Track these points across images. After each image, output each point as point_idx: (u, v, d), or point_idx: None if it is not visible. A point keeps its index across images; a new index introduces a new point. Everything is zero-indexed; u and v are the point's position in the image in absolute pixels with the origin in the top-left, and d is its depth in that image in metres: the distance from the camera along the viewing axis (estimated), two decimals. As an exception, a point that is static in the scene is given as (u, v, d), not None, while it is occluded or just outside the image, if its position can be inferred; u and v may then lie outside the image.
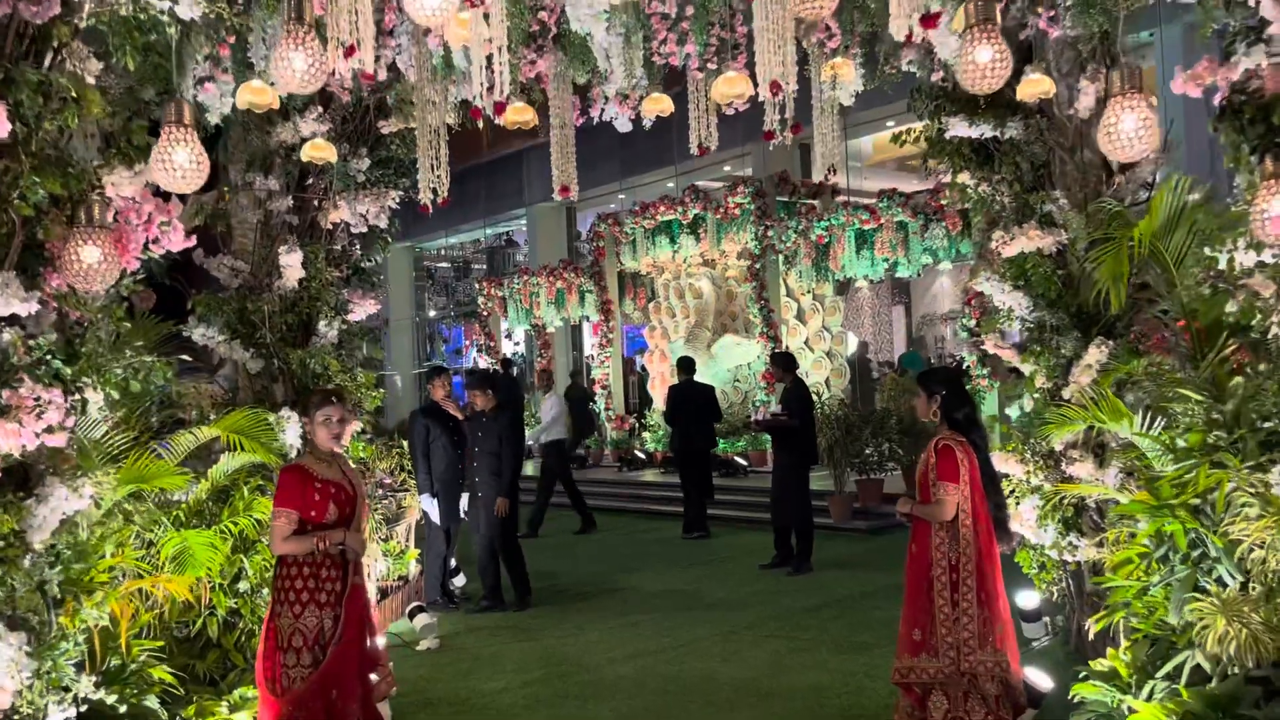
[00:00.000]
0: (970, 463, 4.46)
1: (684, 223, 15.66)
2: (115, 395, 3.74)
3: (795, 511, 9.08)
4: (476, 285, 19.97)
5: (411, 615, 7.19)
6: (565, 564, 10.04)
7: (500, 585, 7.99)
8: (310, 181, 5.47)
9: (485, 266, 26.52)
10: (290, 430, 5.15)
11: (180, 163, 3.27)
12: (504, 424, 7.82)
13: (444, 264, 29.28)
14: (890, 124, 16.89)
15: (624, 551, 10.68)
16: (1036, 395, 5.41)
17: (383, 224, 5.55)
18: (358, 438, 5.58)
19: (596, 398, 17.10)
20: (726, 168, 18.58)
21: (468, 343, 26.39)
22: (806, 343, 15.51)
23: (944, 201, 12.39)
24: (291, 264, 5.23)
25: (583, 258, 19.38)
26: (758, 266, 14.65)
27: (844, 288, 16.46)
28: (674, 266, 17.19)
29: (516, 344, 24.03)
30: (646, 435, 16.39)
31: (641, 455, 15.97)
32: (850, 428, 10.95)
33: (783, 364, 9.50)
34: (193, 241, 3.87)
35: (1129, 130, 3.70)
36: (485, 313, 19.91)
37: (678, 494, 12.67)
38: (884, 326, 23.15)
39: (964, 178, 5.54)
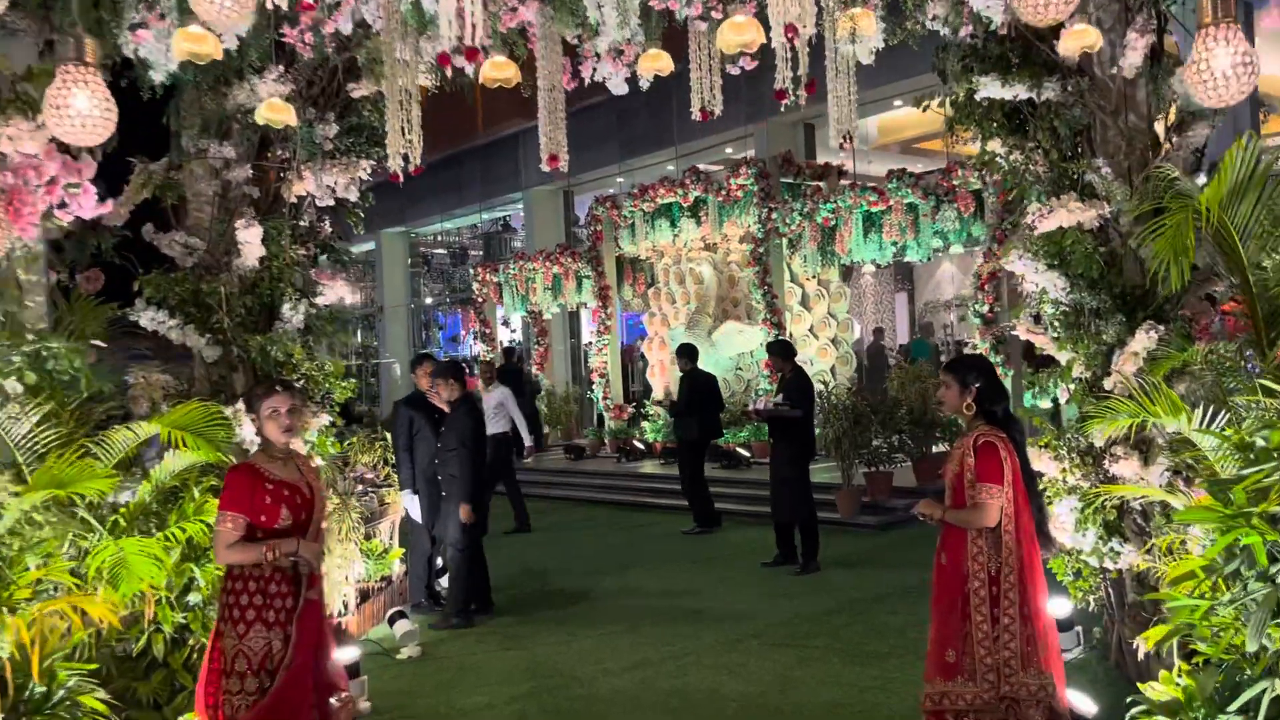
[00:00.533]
0: (1012, 462, 3.95)
1: (684, 206, 15.12)
2: (19, 386, 3.21)
3: (797, 507, 8.58)
4: (472, 271, 19.42)
5: (392, 621, 6.70)
6: (558, 561, 9.54)
7: (469, 600, 7.36)
8: (273, 150, 4.94)
9: (482, 253, 25.96)
10: (248, 425, 4.65)
11: (80, 109, 2.74)
12: (462, 417, 7.22)
13: (440, 250, 28.74)
14: (898, 103, 16.35)
15: (621, 548, 10.17)
16: (1074, 385, 4.90)
17: (352, 197, 5.02)
18: (326, 431, 5.07)
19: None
20: (728, 149, 18.00)
21: (465, 330, 25.88)
22: (811, 330, 14.98)
23: (956, 182, 11.86)
24: (250, 240, 4.71)
25: (580, 242, 18.83)
26: (761, 250, 14.12)
27: (849, 273, 15.95)
28: (674, 251, 16.65)
29: (513, 331, 23.50)
30: (646, 425, 15.88)
31: (641, 446, 15.46)
32: (859, 418, 10.44)
33: (781, 352, 8.99)
34: (107, 208, 3.36)
35: (1223, 67, 3.15)
36: (480, 299, 19.37)
37: (678, 486, 12.20)
38: (887, 314, 22.64)
39: (994, 145, 5.01)
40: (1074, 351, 4.79)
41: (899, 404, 10.84)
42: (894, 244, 13.00)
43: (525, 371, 17.80)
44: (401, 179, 4.46)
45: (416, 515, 7.50)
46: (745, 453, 13.52)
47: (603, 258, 16.55)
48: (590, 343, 17.93)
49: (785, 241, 14.00)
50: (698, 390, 10.55)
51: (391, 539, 8.16)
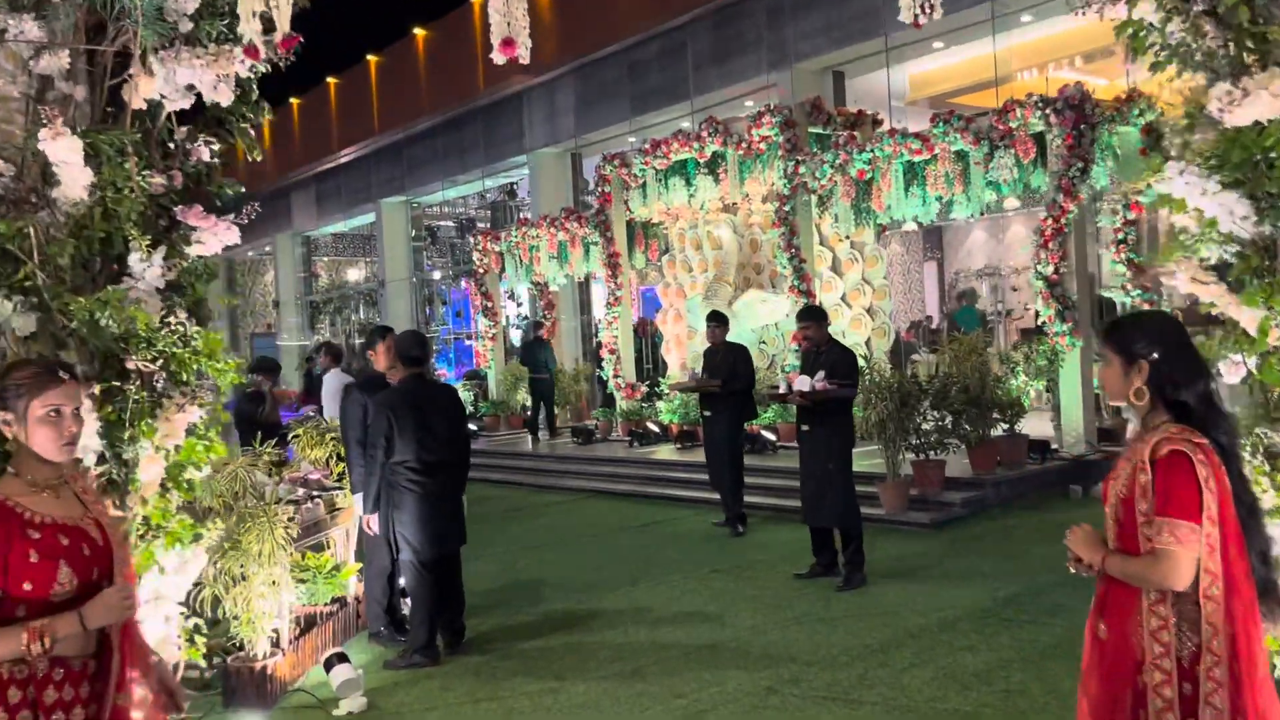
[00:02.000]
0: (1219, 483, 2.45)
1: (700, 162, 13.57)
2: None
3: (845, 512, 7.11)
4: (472, 240, 17.94)
5: (328, 666, 5.27)
6: (555, 570, 8.11)
7: (434, 630, 5.92)
8: (108, 33, 3.47)
9: (489, 224, 24.48)
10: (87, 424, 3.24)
11: None
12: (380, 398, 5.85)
13: (446, 222, 27.27)
14: (938, 44, 14.72)
15: (630, 553, 8.72)
16: (1262, 356, 3.38)
17: (225, 101, 3.55)
18: (201, 432, 3.63)
19: None
20: (748, 103, 16.35)
21: (475, 305, 24.44)
22: (844, 298, 13.44)
23: (1014, 124, 10.26)
24: (67, 159, 3.26)
25: (588, 207, 17.31)
26: (787, 210, 12.56)
27: (881, 235, 14.38)
28: (690, 214, 15.12)
29: (520, 305, 22.05)
30: (661, 405, 14.42)
31: (655, 428, 14.00)
32: (906, 397, 8.92)
33: (817, 318, 7.46)
34: None
35: None
36: (482, 269, 17.90)
37: (697, 475, 10.75)
38: (915, 284, 21.03)
39: (1144, 9, 3.45)
40: (1267, 307, 3.27)
41: (952, 381, 9.31)
42: (938, 198, 11.42)
43: (547, 347, 16.33)
44: (260, 54, 2.98)
45: (373, 524, 6.06)
46: (771, 436, 12.05)
47: (611, 222, 15.04)
48: (600, 316, 16.45)
49: (814, 199, 12.44)
50: (743, 360, 9.19)
51: (347, 552, 6.76)
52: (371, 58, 24.47)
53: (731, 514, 9.06)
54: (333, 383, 8.75)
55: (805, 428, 7.31)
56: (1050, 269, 9.93)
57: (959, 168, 10.97)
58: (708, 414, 9.30)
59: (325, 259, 31.28)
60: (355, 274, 30.94)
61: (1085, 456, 9.77)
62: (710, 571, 7.72)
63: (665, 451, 12.93)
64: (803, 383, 7.16)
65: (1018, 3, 12.91)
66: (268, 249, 30.85)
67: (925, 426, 9.08)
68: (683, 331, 15.41)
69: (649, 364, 19.82)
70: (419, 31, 22.62)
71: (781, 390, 7.47)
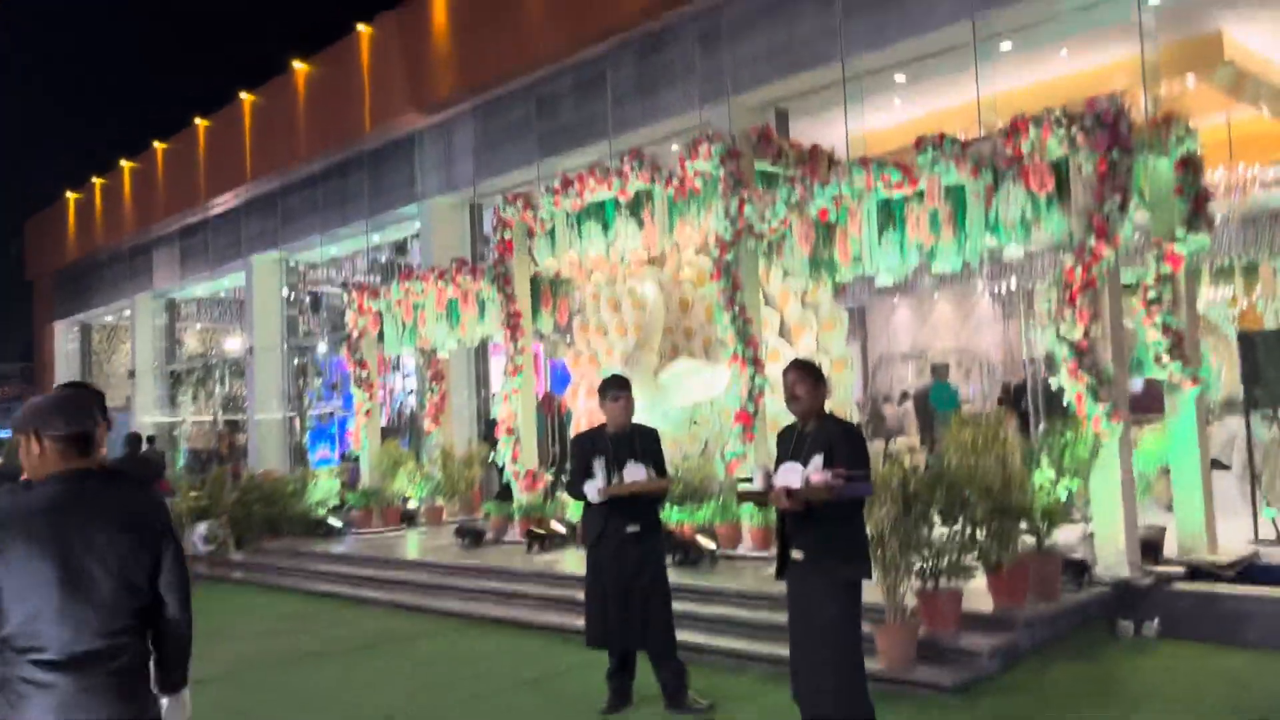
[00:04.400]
0: None
1: (622, 202, 11.13)
2: None
3: (843, 687, 4.50)
4: (345, 296, 15.11)
5: None
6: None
7: None
8: None
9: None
10: None
11: None
12: None
13: (330, 287, 24.18)
14: (900, 78, 12.67)
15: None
16: None
17: None
18: None
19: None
20: (674, 148, 14.07)
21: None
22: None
23: (1026, 146, 8.04)
24: None
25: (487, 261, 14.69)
26: (728, 259, 10.12)
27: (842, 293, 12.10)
28: (608, 267, 12.64)
29: (406, 376, 19.17)
30: (566, 499, 11.69)
31: (561, 529, 11.25)
32: (911, 501, 6.41)
33: (814, 377, 4.92)
34: None
35: None
36: (356, 333, 15.03)
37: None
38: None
39: None
40: None
41: (967, 471, 6.83)
42: (918, 247, 9.14)
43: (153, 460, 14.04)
44: None
45: None
46: (709, 544, 9.36)
47: (513, 276, 12.42)
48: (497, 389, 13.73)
49: (762, 245, 10.05)
50: (658, 448, 6.37)
51: None
52: (245, 96, 21.64)
53: (679, 681, 6.06)
54: None
55: (796, 554, 4.69)
56: (1078, 332, 7.61)
57: (950, 206, 8.70)
58: (633, 529, 6.02)
59: (199, 326, 27.84)
60: (234, 343, 27.56)
61: (1133, 581, 7.36)
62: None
63: (573, 562, 10.15)
64: (790, 474, 4.60)
65: (1004, 23, 10.94)
66: (126, 312, 27.35)
67: (934, 534, 6.57)
68: (595, 409, 12.76)
69: (555, 446, 17.08)
70: (299, 66, 19.92)
71: (757, 486, 4.82)
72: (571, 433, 13.32)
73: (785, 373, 5.01)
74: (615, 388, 6.19)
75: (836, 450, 4.57)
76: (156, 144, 24.84)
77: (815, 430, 4.75)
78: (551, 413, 17.00)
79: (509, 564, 10.33)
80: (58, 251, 29.70)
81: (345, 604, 10.55)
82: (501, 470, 12.82)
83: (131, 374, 26.84)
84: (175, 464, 25.04)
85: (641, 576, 5.88)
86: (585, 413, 12.97)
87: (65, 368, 30.12)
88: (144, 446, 15.13)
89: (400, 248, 19.86)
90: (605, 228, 11.40)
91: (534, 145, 15.56)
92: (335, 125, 19.01)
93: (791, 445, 4.80)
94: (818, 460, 4.55)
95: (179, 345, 26.84)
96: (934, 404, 12.61)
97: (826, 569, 4.54)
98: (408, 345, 14.62)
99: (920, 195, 8.83)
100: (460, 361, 16.62)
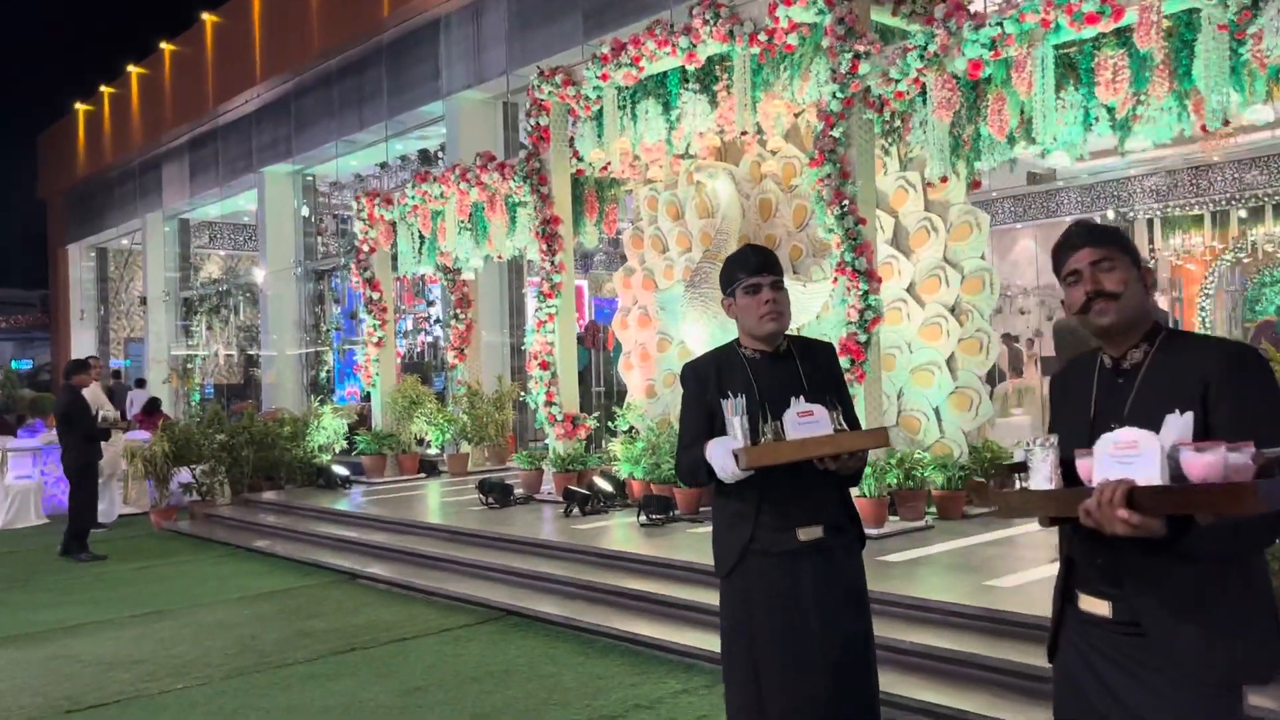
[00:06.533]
0: None
1: (690, 70, 8.57)
2: None
3: None
4: (355, 204, 12.71)
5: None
6: None
7: None
8: None
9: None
10: None
11: None
12: None
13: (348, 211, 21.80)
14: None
15: None
16: None
17: None
18: None
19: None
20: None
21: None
22: (910, 289, 8.43)
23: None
24: None
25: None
26: (836, 135, 7.52)
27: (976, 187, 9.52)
28: (668, 164, 10.12)
29: (431, 303, 16.85)
30: (616, 450, 9.35)
31: (607, 486, 8.93)
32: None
33: (1131, 255, 2.23)
34: None
35: None
36: (367, 247, 12.68)
37: (688, 593, 5.72)
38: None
39: None
40: None
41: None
42: (1110, 109, 6.53)
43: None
44: None
45: None
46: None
47: (549, 173, 9.93)
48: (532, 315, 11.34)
49: (882, 118, 7.44)
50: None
51: None
52: (254, -15, 19.18)
53: None
54: None
55: (1126, 623, 2.18)
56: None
57: (1173, 47, 6.05)
58: (812, 533, 2.90)
59: (222, 253, 25.73)
60: (258, 272, 25.41)
61: None
62: None
63: (622, 533, 7.79)
64: (1200, 459, 2.01)
65: None
66: (140, 235, 25.31)
67: None
68: (651, 340, 10.34)
69: (599, 387, 14.73)
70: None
71: (1043, 481, 2.24)
72: (621, 369, 10.93)
73: (1069, 239, 2.40)
74: (755, 269, 2.96)
75: (1224, 400, 2.05)
76: (164, 45, 22.51)
77: (1156, 362, 2.21)
78: (595, 346, 14.64)
79: (537, 533, 7.99)
80: (68, 169, 27.71)
81: (335, 582, 8.33)
82: (534, 413, 10.50)
83: (143, 300, 24.84)
84: (192, 398, 23.11)
85: (838, 624, 2.90)
86: (637, 346, 10.54)
87: (81, 296, 28.24)
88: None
89: (426, 158, 17.38)
90: (667, 107, 8.87)
91: (578, 23, 12.95)
92: (351, 12, 16.51)
93: (1096, 395, 2.28)
94: (1180, 423, 2.00)
95: (195, 271, 24.74)
96: None
97: (1195, 660, 2.05)
98: (427, 263, 12.24)
99: (1121, 35, 6.19)
100: (491, 283, 14.25)
